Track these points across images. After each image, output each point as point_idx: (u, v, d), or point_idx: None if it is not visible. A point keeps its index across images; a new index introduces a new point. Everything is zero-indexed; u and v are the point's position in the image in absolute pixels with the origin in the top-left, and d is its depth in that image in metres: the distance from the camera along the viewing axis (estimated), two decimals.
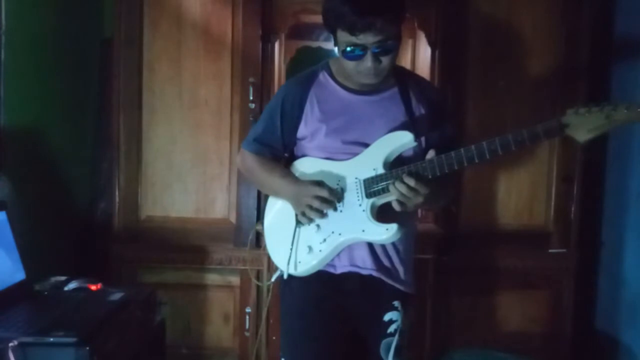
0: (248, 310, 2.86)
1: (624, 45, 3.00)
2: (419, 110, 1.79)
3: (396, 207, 1.67)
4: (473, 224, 2.95)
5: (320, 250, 1.77)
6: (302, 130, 1.80)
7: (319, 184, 1.76)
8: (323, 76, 1.83)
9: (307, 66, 1.89)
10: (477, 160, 1.64)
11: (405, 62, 3.34)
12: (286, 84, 1.96)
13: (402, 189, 1.63)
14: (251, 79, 2.80)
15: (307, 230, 1.79)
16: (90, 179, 3.13)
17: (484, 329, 2.97)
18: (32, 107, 2.62)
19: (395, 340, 1.80)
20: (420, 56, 3.21)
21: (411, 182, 1.63)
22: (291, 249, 1.80)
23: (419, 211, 1.99)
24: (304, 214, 1.76)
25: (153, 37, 2.83)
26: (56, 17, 2.80)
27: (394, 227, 1.68)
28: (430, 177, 1.65)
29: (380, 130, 1.74)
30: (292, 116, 1.80)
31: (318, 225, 1.77)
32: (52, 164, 2.79)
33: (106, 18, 3.09)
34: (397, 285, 1.81)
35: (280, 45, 3.13)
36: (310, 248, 1.78)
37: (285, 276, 1.83)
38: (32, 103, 2.61)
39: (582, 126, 1.55)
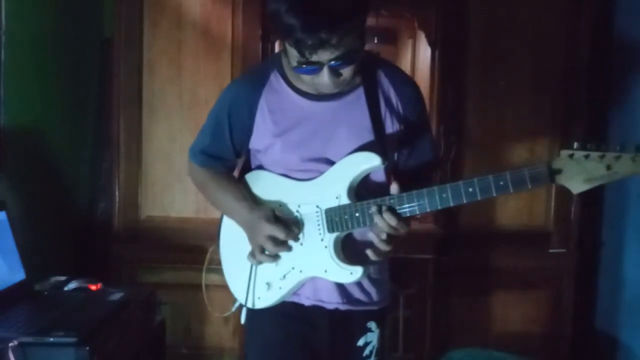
0: None
1: (624, 45, 3.00)
2: (388, 115, 1.55)
3: (373, 256, 1.48)
4: (473, 224, 2.95)
5: (280, 287, 1.58)
6: (254, 143, 1.57)
7: (276, 218, 1.52)
8: (275, 78, 1.55)
9: None
10: (452, 204, 1.41)
11: (405, 62, 3.34)
12: (232, 86, 1.68)
13: (384, 227, 1.44)
14: None
15: (265, 264, 1.59)
16: (90, 179, 3.12)
17: (484, 329, 2.97)
18: (32, 107, 2.62)
19: None
20: (420, 56, 3.21)
21: (393, 221, 1.43)
22: (248, 285, 1.61)
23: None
24: (253, 255, 1.56)
25: (153, 37, 2.83)
26: (56, 17, 2.80)
27: (358, 271, 1.49)
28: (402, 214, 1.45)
29: (344, 143, 1.51)
30: (241, 126, 1.56)
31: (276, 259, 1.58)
32: (52, 164, 2.79)
33: (106, 18, 3.09)
34: (370, 308, 1.64)
35: (280, 45, 3.13)
36: (269, 285, 1.60)
37: (242, 319, 1.69)
38: (32, 103, 2.61)
39: (578, 175, 1.31)
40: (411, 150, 1.62)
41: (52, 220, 2.74)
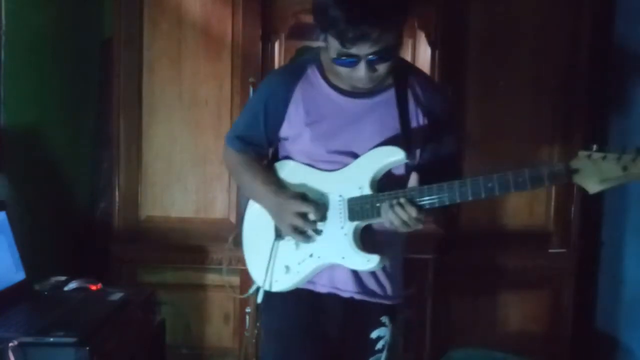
0: (248, 310, 2.85)
1: (624, 45, 3.00)
2: (416, 116, 1.62)
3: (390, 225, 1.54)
4: (473, 224, 2.94)
5: (297, 272, 1.65)
6: (285, 131, 1.66)
7: (302, 197, 1.61)
8: (312, 72, 1.64)
9: None
10: (470, 198, 1.47)
11: None
12: (270, 78, 1.78)
13: (404, 216, 1.49)
14: (251, 79, 2.79)
15: (286, 247, 1.67)
16: (90, 179, 3.12)
17: (484, 329, 2.97)
18: (32, 107, 2.61)
19: (383, 356, 1.69)
20: (420, 56, 3.21)
21: (413, 212, 1.48)
22: (267, 267, 1.68)
23: None
24: (290, 232, 1.62)
25: (153, 37, 2.83)
26: (56, 17, 2.79)
27: (375, 259, 1.55)
28: (422, 206, 1.50)
29: (370, 139, 1.59)
30: (276, 114, 1.65)
31: (297, 244, 1.65)
32: (52, 164, 2.79)
33: (106, 18, 3.09)
34: (384, 302, 1.69)
35: (280, 45, 3.13)
36: (287, 268, 1.66)
37: (259, 299, 1.74)
38: (32, 103, 2.61)
39: (594, 175, 1.34)
40: (435, 150, 1.66)
41: (52, 220, 2.74)
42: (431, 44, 2.90)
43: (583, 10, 2.90)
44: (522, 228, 2.97)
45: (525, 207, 2.97)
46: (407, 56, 3.30)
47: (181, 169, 2.88)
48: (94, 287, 2.20)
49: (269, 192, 1.66)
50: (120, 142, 2.85)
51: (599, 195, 3.05)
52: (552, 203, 2.97)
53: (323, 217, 1.60)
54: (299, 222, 1.59)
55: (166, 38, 2.83)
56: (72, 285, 2.21)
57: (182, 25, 2.83)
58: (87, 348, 1.71)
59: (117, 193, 2.87)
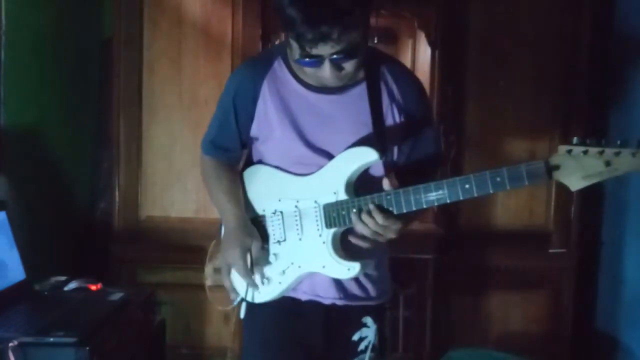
0: None
1: (623, 44, 3.00)
2: (390, 111, 1.53)
3: (363, 244, 1.49)
4: (473, 224, 2.95)
5: (279, 282, 1.60)
6: (254, 130, 1.58)
7: (250, 244, 1.56)
8: (279, 66, 1.54)
9: None
10: (448, 201, 1.39)
11: (405, 62, 3.33)
12: (237, 72, 1.67)
13: (371, 224, 1.43)
14: None
15: (265, 259, 1.61)
16: (90, 179, 3.12)
17: (484, 329, 2.97)
18: (32, 107, 2.61)
19: (367, 356, 1.63)
20: (420, 56, 3.21)
21: (379, 219, 1.42)
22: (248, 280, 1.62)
23: None
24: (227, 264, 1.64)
25: (153, 37, 2.83)
26: (56, 17, 2.79)
27: (356, 267, 1.49)
28: (395, 212, 1.43)
29: (344, 137, 1.51)
30: (245, 111, 1.56)
31: (275, 255, 1.60)
32: (52, 164, 2.79)
33: (106, 18, 3.09)
34: (367, 303, 1.63)
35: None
36: (268, 280, 1.61)
37: (242, 314, 1.69)
38: (32, 103, 2.61)
39: (576, 171, 1.27)
40: (413, 145, 1.59)
41: (52, 220, 2.74)
42: (431, 44, 2.90)
43: (583, 10, 2.91)
44: (522, 228, 2.97)
45: (525, 207, 2.97)
46: (407, 56, 3.31)
47: (181, 169, 2.88)
48: (94, 287, 2.20)
49: (228, 212, 1.62)
50: (120, 142, 2.85)
51: (599, 195, 3.09)
52: (552, 203, 2.97)
53: (252, 282, 1.59)
54: (231, 266, 1.62)
55: (166, 38, 2.83)
56: (72, 285, 2.21)
57: (182, 25, 2.83)
58: (87, 348, 1.71)
59: (117, 193, 2.87)
